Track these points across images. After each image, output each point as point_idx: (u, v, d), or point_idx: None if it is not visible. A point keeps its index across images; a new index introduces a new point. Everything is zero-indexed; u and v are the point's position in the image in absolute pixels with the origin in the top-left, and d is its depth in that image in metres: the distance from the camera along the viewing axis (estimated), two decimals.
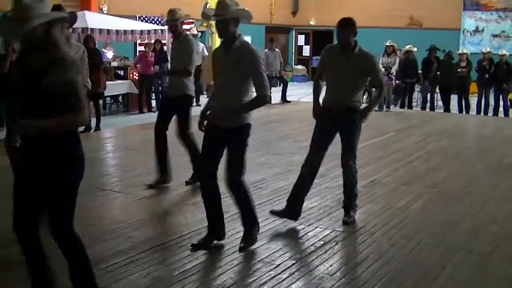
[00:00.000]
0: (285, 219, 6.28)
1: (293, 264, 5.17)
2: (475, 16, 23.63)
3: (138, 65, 16.01)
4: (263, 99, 5.21)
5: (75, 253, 3.93)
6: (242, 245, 5.44)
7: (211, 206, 5.46)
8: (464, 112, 16.92)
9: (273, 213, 6.33)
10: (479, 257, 5.54)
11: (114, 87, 15.42)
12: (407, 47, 17.31)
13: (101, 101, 14.44)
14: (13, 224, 3.83)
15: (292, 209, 6.29)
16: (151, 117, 14.78)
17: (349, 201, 6.36)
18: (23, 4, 3.52)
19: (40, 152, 3.66)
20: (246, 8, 5.39)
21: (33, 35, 3.56)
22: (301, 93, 20.23)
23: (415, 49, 17.23)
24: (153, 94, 16.76)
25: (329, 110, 6.20)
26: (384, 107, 16.29)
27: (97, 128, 12.69)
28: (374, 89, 6.25)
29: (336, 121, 6.15)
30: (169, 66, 8.02)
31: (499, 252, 5.67)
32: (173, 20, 7.53)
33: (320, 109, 6.29)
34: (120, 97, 17.16)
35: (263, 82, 5.11)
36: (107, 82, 13.79)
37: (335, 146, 6.33)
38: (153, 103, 16.62)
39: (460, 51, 17.31)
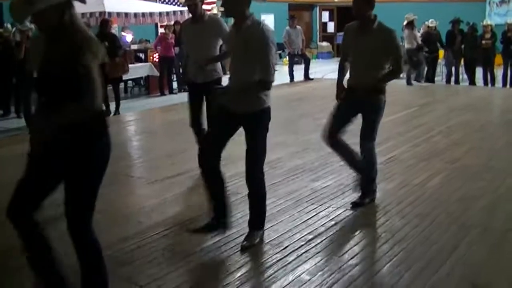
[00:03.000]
0: (312, 200, 6.28)
1: (301, 245, 5.06)
2: None
3: (158, 47, 15.96)
4: (266, 85, 4.74)
5: (93, 258, 3.78)
6: (245, 243, 5.03)
7: (215, 192, 5.13)
8: (489, 85, 16.57)
9: (357, 204, 6.11)
10: (494, 235, 5.35)
11: (135, 70, 15.41)
12: (427, 22, 17.06)
13: (122, 85, 14.47)
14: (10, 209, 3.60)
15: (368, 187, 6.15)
16: (172, 99, 14.83)
17: (367, 185, 6.11)
18: None
19: (63, 139, 3.48)
20: None
21: (43, 18, 3.37)
22: (326, 70, 20.04)
23: (434, 24, 16.98)
24: (174, 76, 16.74)
25: (352, 91, 5.88)
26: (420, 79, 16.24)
27: (117, 112, 12.70)
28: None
29: (359, 103, 5.82)
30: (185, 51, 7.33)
31: None
32: None
33: (343, 91, 5.98)
34: (142, 80, 17.16)
35: (269, 66, 4.65)
36: None
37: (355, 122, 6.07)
38: (174, 85, 16.61)
39: (484, 23, 16.93)
